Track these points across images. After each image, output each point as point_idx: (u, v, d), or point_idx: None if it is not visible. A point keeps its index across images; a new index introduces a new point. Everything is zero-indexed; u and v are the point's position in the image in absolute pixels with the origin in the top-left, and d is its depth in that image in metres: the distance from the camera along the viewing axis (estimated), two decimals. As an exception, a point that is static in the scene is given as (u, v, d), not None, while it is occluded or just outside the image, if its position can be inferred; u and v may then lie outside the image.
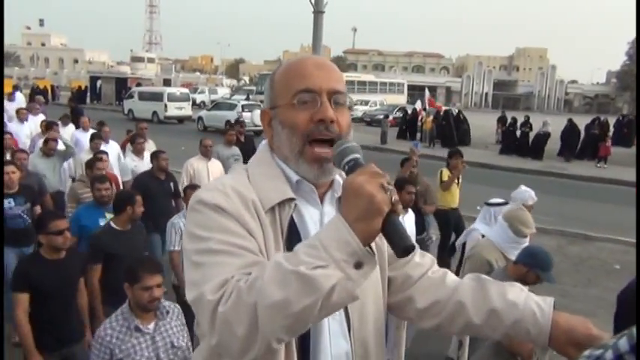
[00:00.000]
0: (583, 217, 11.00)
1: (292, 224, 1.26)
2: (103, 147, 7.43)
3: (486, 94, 68.82)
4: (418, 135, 22.14)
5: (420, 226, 5.80)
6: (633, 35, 74.40)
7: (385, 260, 1.37)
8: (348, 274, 1.00)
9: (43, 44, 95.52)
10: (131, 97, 29.96)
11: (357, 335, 1.30)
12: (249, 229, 1.18)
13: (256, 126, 22.98)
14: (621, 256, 8.71)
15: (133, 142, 7.46)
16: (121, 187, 6.61)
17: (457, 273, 3.45)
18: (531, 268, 3.30)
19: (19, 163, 5.92)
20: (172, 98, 28.25)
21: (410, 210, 5.08)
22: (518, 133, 20.81)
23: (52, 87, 42.61)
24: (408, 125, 23.49)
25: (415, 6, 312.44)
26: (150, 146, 8.03)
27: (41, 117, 11.72)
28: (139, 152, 7.24)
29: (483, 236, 4.50)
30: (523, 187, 5.50)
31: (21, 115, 10.81)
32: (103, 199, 4.69)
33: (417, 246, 1.41)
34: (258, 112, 23.92)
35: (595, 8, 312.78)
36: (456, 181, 7.42)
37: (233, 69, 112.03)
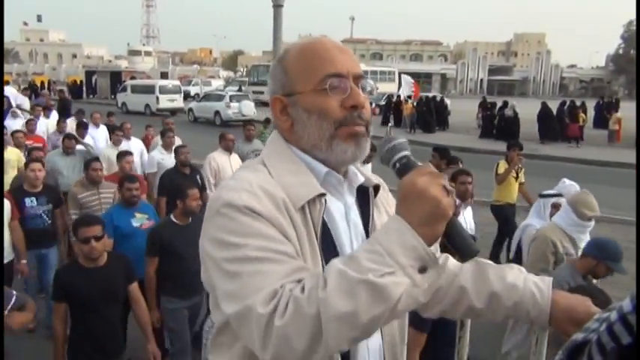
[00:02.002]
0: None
1: (323, 222, 1.19)
2: (124, 143, 7.71)
3: (481, 80, 69.09)
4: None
5: None
6: (628, 18, 74.45)
7: None
8: (414, 280, 0.96)
9: (41, 40, 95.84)
10: (124, 90, 30.60)
11: (386, 330, 1.27)
12: (284, 232, 1.11)
13: (244, 115, 23.66)
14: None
15: (162, 136, 7.45)
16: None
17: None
18: (601, 260, 3.18)
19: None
20: (164, 91, 28.83)
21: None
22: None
23: (49, 82, 43.31)
24: (392, 112, 24.06)
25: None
26: (176, 142, 7.89)
27: (55, 115, 11.85)
28: (168, 146, 7.17)
29: None
30: (567, 181, 5.14)
31: (37, 112, 10.97)
32: (133, 199, 4.55)
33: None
34: (246, 102, 24.52)
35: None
36: (516, 174, 7.01)
37: (231, 61, 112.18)
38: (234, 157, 6.82)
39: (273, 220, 1.10)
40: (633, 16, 70.08)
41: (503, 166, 7.00)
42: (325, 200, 1.19)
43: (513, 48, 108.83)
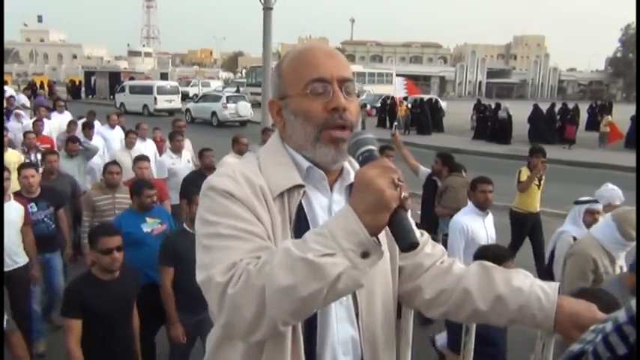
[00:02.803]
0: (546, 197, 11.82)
1: (300, 211, 1.28)
2: (138, 144, 7.51)
3: (480, 83, 69.35)
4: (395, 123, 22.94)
5: (431, 227, 5.56)
6: (626, 22, 74.70)
7: (396, 249, 1.35)
8: (354, 262, 1.04)
9: (41, 40, 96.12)
10: (123, 90, 30.88)
11: (365, 321, 1.32)
12: (258, 215, 1.21)
13: (240, 116, 23.90)
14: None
15: (171, 139, 7.13)
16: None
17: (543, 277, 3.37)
18: None
19: (49, 165, 5.84)
20: (162, 91, 29.15)
21: (489, 212, 4.68)
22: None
23: (50, 82, 43.58)
24: (387, 114, 24.29)
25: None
26: (186, 144, 7.72)
27: (67, 115, 11.61)
28: (177, 150, 6.93)
29: (575, 239, 4.17)
30: (610, 185, 4.95)
31: (42, 113, 10.69)
32: (150, 205, 4.43)
33: (427, 237, 1.51)
34: (243, 103, 24.76)
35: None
36: (538, 182, 6.65)
37: (231, 62, 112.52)
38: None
39: (248, 204, 1.21)
40: (631, 19, 70.46)
41: (525, 173, 6.62)
42: (305, 192, 1.29)
43: (513, 51, 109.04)
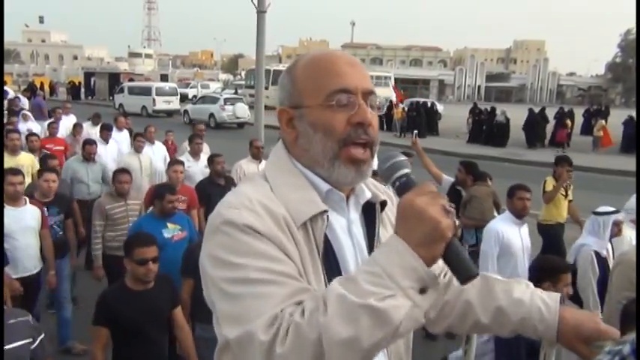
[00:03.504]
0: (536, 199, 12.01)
1: (326, 239, 1.17)
2: (147, 148, 7.37)
3: (479, 86, 69.53)
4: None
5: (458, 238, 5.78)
6: (626, 27, 74.94)
7: None
8: (415, 301, 0.95)
9: (43, 41, 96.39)
10: (122, 91, 31.08)
11: (391, 348, 1.26)
12: (286, 251, 1.08)
13: (238, 118, 24.08)
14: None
15: (190, 142, 7.11)
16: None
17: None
18: None
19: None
20: (160, 93, 29.36)
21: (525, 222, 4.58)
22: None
23: (51, 83, 43.85)
24: (384, 117, 24.48)
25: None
26: (204, 149, 7.64)
27: (72, 118, 11.44)
28: (195, 153, 6.89)
29: (597, 253, 4.12)
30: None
31: (57, 115, 10.67)
32: (171, 210, 4.38)
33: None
34: (240, 105, 24.94)
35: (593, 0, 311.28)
36: (564, 192, 6.45)
37: (232, 64, 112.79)
38: (264, 164, 6.53)
39: (274, 239, 1.07)
40: (630, 25, 70.63)
41: (550, 182, 6.42)
42: (327, 217, 1.16)
43: (513, 55, 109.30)
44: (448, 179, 6.20)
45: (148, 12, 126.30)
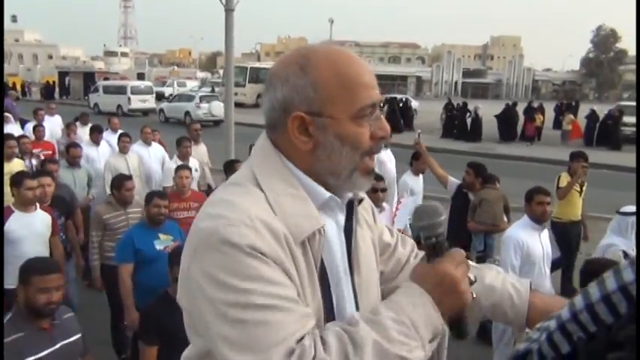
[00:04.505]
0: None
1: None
2: (142, 150, 7.12)
3: (456, 83, 70.33)
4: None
5: (462, 245, 5.40)
6: (598, 23, 76.36)
7: (377, 258, 1.35)
8: (426, 348, 1.05)
9: (16, 40, 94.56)
10: (96, 91, 30.85)
11: None
12: (288, 272, 1.05)
13: (214, 116, 24.08)
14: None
15: (179, 145, 6.59)
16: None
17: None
18: None
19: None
20: (136, 91, 29.25)
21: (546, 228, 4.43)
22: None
23: (23, 83, 43.17)
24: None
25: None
26: (200, 150, 7.30)
27: (57, 118, 11.07)
28: (184, 157, 6.45)
29: (625, 254, 3.95)
30: None
31: (39, 116, 10.13)
32: (159, 217, 4.13)
33: (397, 234, 1.51)
34: (216, 103, 24.84)
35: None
36: (579, 188, 6.29)
37: (210, 62, 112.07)
38: (251, 167, 6.40)
39: (277, 260, 1.03)
40: (602, 21, 71.97)
41: (565, 178, 6.27)
42: (324, 231, 1.13)
43: (490, 51, 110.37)
44: (454, 182, 5.98)
45: (124, 10, 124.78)
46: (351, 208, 1.25)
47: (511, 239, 4.17)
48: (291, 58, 1.17)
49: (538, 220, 4.22)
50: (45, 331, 2.71)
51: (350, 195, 1.24)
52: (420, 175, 6.49)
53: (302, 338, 0.98)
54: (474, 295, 1.13)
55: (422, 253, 1.42)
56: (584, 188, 6.36)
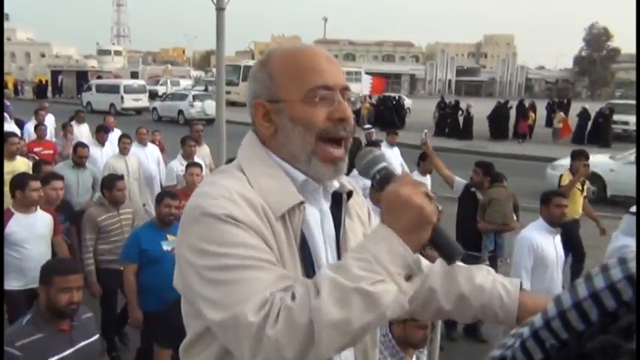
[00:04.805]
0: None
1: (301, 230, 1.20)
2: (139, 151, 6.99)
3: (450, 81, 70.56)
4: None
5: (475, 243, 5.27)
6: (590, 21, 76.77)
7: None
8: (402, 287, 1.00)
9: (8, 39, 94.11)
10: (89, 89, 30.79)
11: (358, 345, 1.27)
12: (265, 239, 1.10)
13: (207, 115, 24.08)
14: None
15: (183, 144, 6.55)
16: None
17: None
18: None
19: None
20: (129, 90, 29.21)
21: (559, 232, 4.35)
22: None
23: (15, 82, 42.99)
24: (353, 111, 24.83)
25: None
26: (203, 151, 7.18)
27: (50, 117, 10.82)
28: (188, 156, 6.37)
29: None
30: None
31: (40, 116, 9.93)
32: (170, 218, 4.07)
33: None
34: (209, 101, 24.87)
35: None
36: (581, 187, 6.27)
37: (204, 61, 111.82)
38: (240, 157, 6.33)
39: (253, 227, 1.09)
40: (595, 19, 72.40)
41: (567, 177, 6.31)
42: (304, 208, 1.20)
43: (483, 49, 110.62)
44: (461, 181, 5.90)
45: (117, 8, 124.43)
46: (341, 200, 1.31)
47: (525, 240, 4.11)
48: (259, 59, 1.32)
49: (554, 222, 4.18)
50: (64, 333, 2.73)
51: (337, 186, 1.30)
52: (428, 176, 6.52)
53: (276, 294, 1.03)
54: (440, 208, 1.07)
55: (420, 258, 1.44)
56: (585, 186, 6.34)
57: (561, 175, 6.44)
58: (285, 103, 1.22)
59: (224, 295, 1.03)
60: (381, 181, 1.15)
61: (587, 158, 6.27)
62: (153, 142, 8.20)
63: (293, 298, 1.00)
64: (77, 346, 2.73)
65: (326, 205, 1.28)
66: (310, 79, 1.20)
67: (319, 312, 0.96)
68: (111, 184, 4.72)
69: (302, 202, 1.19)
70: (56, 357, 2.63)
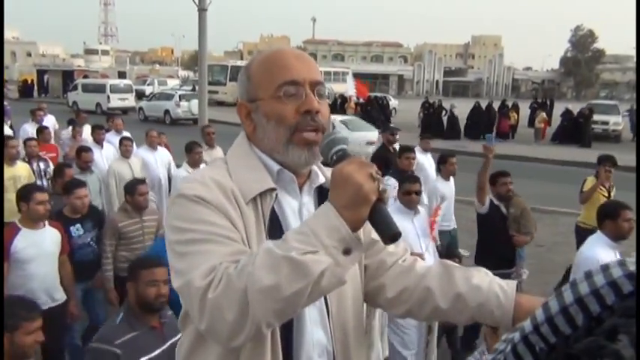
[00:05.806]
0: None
1: (273, 214, 1.28)
2: (148, 154, 6.77)
3: (437, 81, 71.01)
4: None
5: (508, 260, 5.01)
6: (576, 23, 77.62)
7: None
8: (337, 259, 1.05)
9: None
10: (75, 89, 30.69)
11: (335, 322, 1.33)
12: (231, 220, 1.20)
13: (193, 114, 24.13)
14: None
15: (189, 151, 6.08)
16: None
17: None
18: None
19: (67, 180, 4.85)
20: (115, 90, 29.19)
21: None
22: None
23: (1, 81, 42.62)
24: (338, 111, 25.00)
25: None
26: (216, 154, 6.72)
27: (51, 118, 10.57)
28: (195, 164, 5.95)
29: None
30: None
31: (38, 117, 9.61)
32: None
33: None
34: (196, 101, 24.96)
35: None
36: (605, 192, 6.04)
37: (192, 61, 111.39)
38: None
39: (221, 208, 1.19)
40: (580, 21, 73.23)
41: (590, 182, 6.11)
42: (277, 195, 1.28)
43: (471, 50, 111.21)
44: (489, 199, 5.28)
45: (104, 8, 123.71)
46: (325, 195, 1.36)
47: (592, 261, 3.54)
48: (246, 63, 1.43)
49: (619, 238, 3.83)
50: (156, 330, 2.76)
51: (322, 181, 1.38)
52: (451, 179, 6.19)
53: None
54: (383, 185, 1.11)
55: (412, 258, 1.50)
56: (612, 193, 6.08)
57: (585, 181, 6.17)
58: (260, 101, 1.31)
59: (185, 264, 1.15)
60: (337, 162, 1.19)
61: (614, 164, 6.07)
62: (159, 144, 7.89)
63: (236, 267, 1.09)
64: (168, 343, 2.72)
65: (308, 198, 1.36)
66: (278, 76, 1.29)
67: (252, 277, 1.04)
68: (133, 188, 4.57)
69: (274, 190, 1.28)
70: (151, 354, 2.64)
